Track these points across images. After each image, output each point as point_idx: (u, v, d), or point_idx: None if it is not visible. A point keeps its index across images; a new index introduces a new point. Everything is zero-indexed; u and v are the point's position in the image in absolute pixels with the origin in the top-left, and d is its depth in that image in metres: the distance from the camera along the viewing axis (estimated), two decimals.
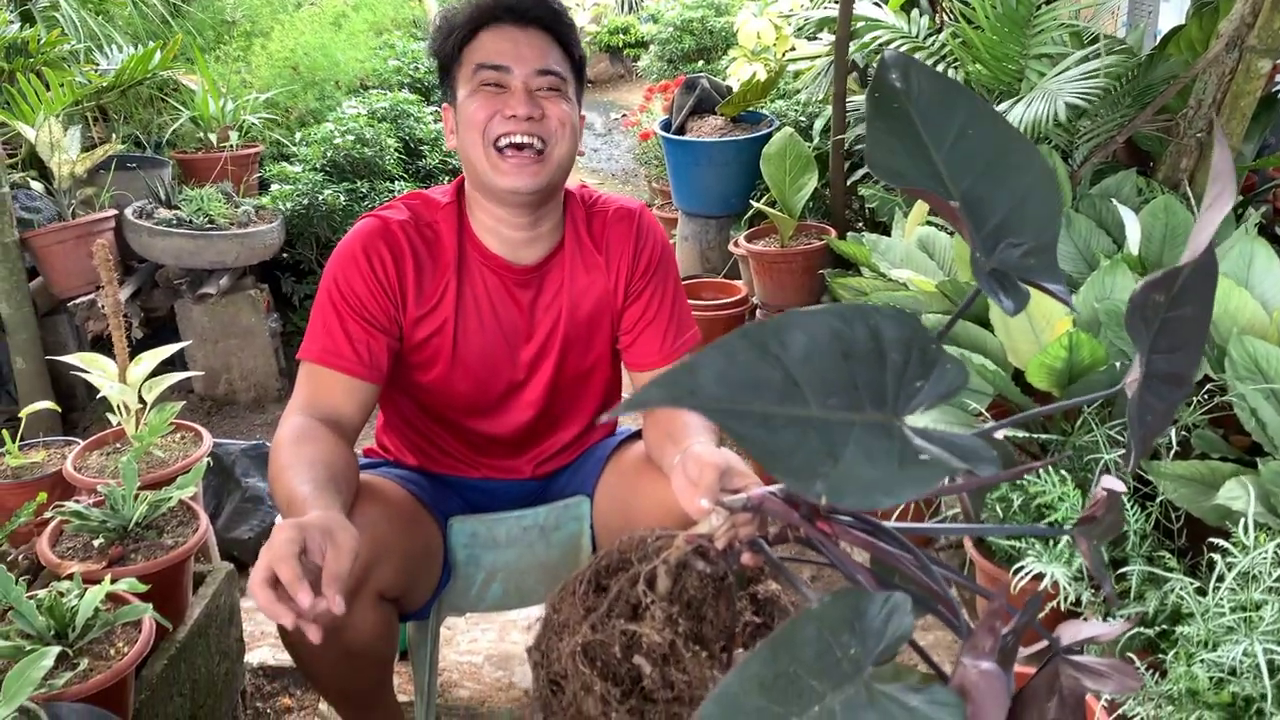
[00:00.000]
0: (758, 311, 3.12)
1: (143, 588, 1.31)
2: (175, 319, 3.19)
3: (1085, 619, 0.88)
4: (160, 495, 1.49)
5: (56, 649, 1.15)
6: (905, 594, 0.70)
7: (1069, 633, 0.81)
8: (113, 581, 1.33)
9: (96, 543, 1.47)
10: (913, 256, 2.60)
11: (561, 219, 1.57)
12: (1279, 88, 2.70)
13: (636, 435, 1.73)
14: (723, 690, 0.63)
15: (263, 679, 2.02)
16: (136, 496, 1.50)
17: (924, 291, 2.40)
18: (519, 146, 1.43)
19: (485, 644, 2.11)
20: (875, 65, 1.77)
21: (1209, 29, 2.56)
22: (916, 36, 3.00)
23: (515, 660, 2.12)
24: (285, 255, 3.42)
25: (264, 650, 2.05)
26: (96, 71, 3.34)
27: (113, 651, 1.29)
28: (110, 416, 1.83)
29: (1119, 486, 0.77)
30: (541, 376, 1.59)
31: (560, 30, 1.49)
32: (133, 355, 1.94)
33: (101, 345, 1.97)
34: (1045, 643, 0.79)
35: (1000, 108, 2.58)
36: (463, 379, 1.55)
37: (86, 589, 1.30)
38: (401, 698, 1.95)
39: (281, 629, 1.45)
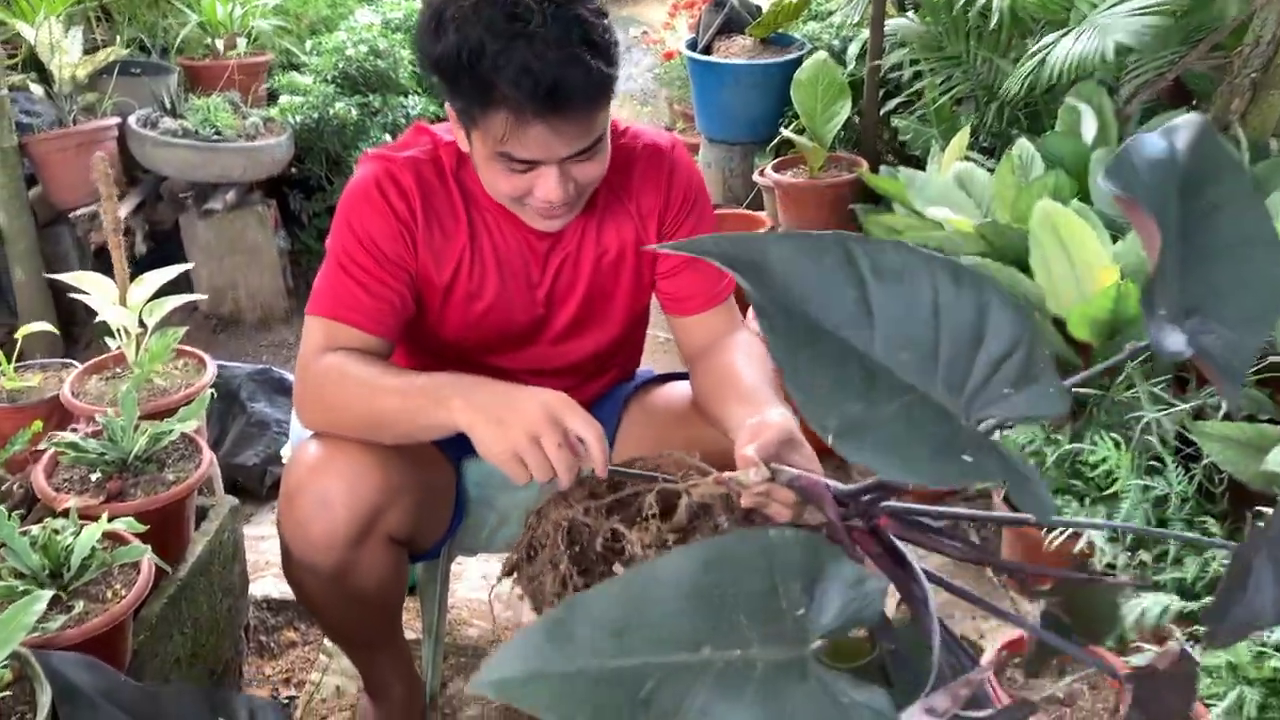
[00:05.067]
0: None
1: (141, 527, 1.25)
2: (180, 234, 3.09)
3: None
4: (161, 428, 1.42)
5: (50, 592, 1.09)
6: (885, 582, 0.64)
7: None
8: (110, 519, 1.26)
9: (94, 476, 1.40)
10: (949, 193, 2.48)
11: None
12: None
13: (661, 379, 1.65)
14: (647, 571, 0.56)
15: (266, 612, 1.97)
16: (136, 428, 1.43)
17: (961, 232, 2.29)
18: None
19: (495, 581, 2.05)
20: None
21: None
22: None
23: (527, 601, 2.07)
24: (294, 171, 3.30)
25: (268, 582, 2.00)
26: None
27: (109, 594, 1.23)
28: (109, 340, 1.75)
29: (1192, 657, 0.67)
30: (562, 318, 1.50)
31: (606, 91, 1.24)
32: (136, 273, 1.85)
33: (106, 258, 1.88)
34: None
35: (1046, 41, 2.45)
36: (477, 323, 1.46)
37: (83, 526, 1.23)
38: (409, 634, 1.90)
39: (288, 568, 1.39)
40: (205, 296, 2.86)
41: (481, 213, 1.40)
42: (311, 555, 1.35)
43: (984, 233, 2.25)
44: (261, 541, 2.25)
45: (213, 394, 1.57)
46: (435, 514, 1.54)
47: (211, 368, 1.71)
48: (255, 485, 2.34)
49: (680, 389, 1.57)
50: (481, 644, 1.96)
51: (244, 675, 1.78)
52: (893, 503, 1.08)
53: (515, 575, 1.07)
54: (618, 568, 0.99)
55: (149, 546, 1.23)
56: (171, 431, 1.41)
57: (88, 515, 1.29)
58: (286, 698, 1.79)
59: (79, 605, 1.19)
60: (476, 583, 2.06)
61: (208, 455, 1.47)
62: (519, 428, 1.11)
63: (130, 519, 1.23)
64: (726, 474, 1.02)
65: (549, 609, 0.87)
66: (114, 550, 1.23)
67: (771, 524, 1.06)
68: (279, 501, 1.38)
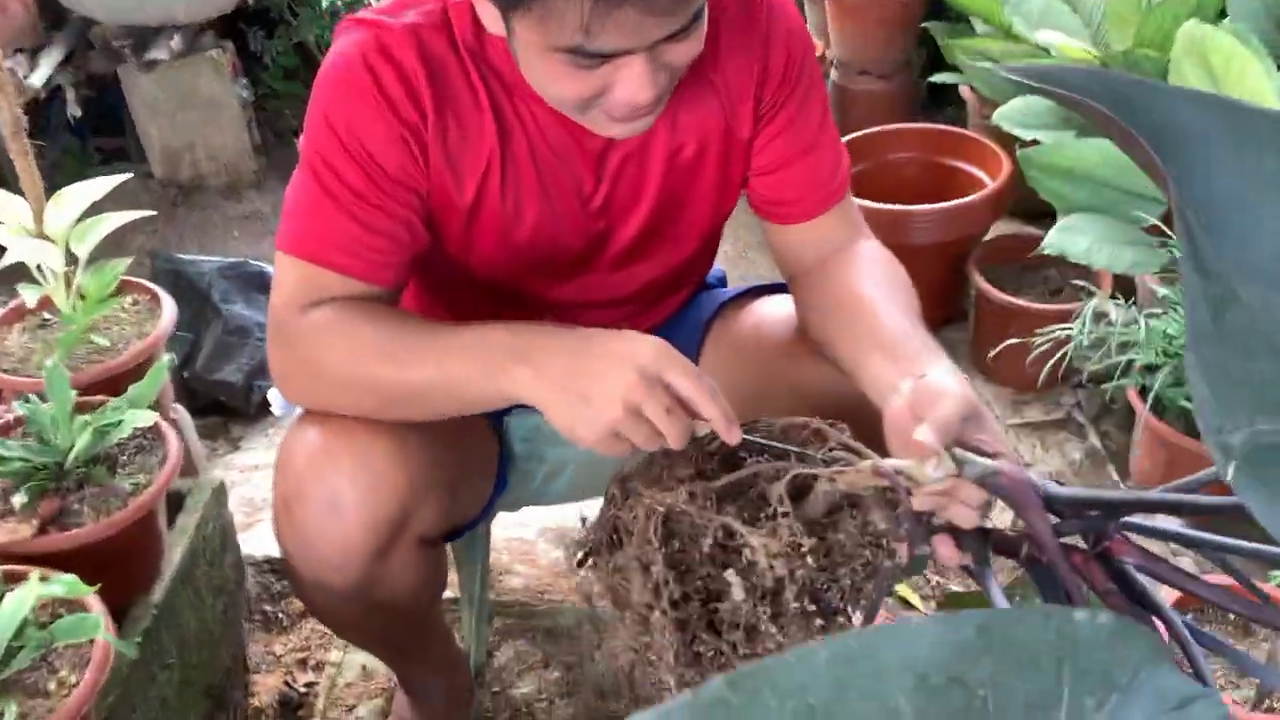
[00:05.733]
0: (833, 70, 2.56)
1: (87, 590, 0.90)
2: (121, 91, 2.62)
3: None
4: (106, 419, 1.05)
5: None
6: (1224, 709, 0.45)
7: None
8: (47, 557, 0.91)
9: (18, 499, 1.03)
10: (1053, 10, 2.03)
11: None
12: None
13: (747, 295, 1.28)
14: (870, 640, 0.41)
15: (270, 575, 1.65)
16: (74, 418, 1.06)
17: (1077, 62, 1.87)
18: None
19: (540, 516, 1.73)
20: None
21: None
22: None
23: (577, 535, 1.76)
24: (250, 2, 2.78)
25: (267, 532, 1.67)
26: None
27: (53, 685, 0.89)
28: (25, 290, 1.32)
29: None
30: (625, 236, 1.12)
31: None
32: (74, 143, 1.41)
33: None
34: None
35: None
36: (512, 251, 1.08)
37: (7, 590, 0.88)
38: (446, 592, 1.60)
39: (295, 585, 1.09)
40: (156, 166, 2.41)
41: (513, 100, 1.01)
42: (323, 574, 1.03)
43: (1110, 62, 1.82)
44: (255, 474, 1.92)
45: (172, 358, 1.19)
46: (475, 490, 1.22)
47: (169, 307, 1.31)
48: (240, 403, 1.99)
49: (778, 311, 1.20)
50: (528, 597, 1.66)
51: (249, 667, 1.48)
52: (1137, 519, 0.77)
53: (593, 563, 0.86)
54: (732, 577, 0.76)
55: (103, 618, 0.88)
56: (120, 425, 1.04)
57: (11, 555, 0.94)
58: (305, 685, 1.50)
59: (12, 708, 0.86)
60: (516, 519, 1.73)
61: (174, 445, 1.11)
62: (613, 402, 0.85)
63: (73, 579, 0.88)
64: (892, 462, 0.79)
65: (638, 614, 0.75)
66: (55, 626, 0.88)
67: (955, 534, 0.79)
68: (274, 506, 1.05)
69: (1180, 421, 1.63)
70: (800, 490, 0.78)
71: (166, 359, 1.22)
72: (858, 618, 0.83)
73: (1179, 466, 1.63)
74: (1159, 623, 0.71)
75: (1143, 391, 1.66)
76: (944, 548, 0.83)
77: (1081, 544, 0.76)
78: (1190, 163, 0.45)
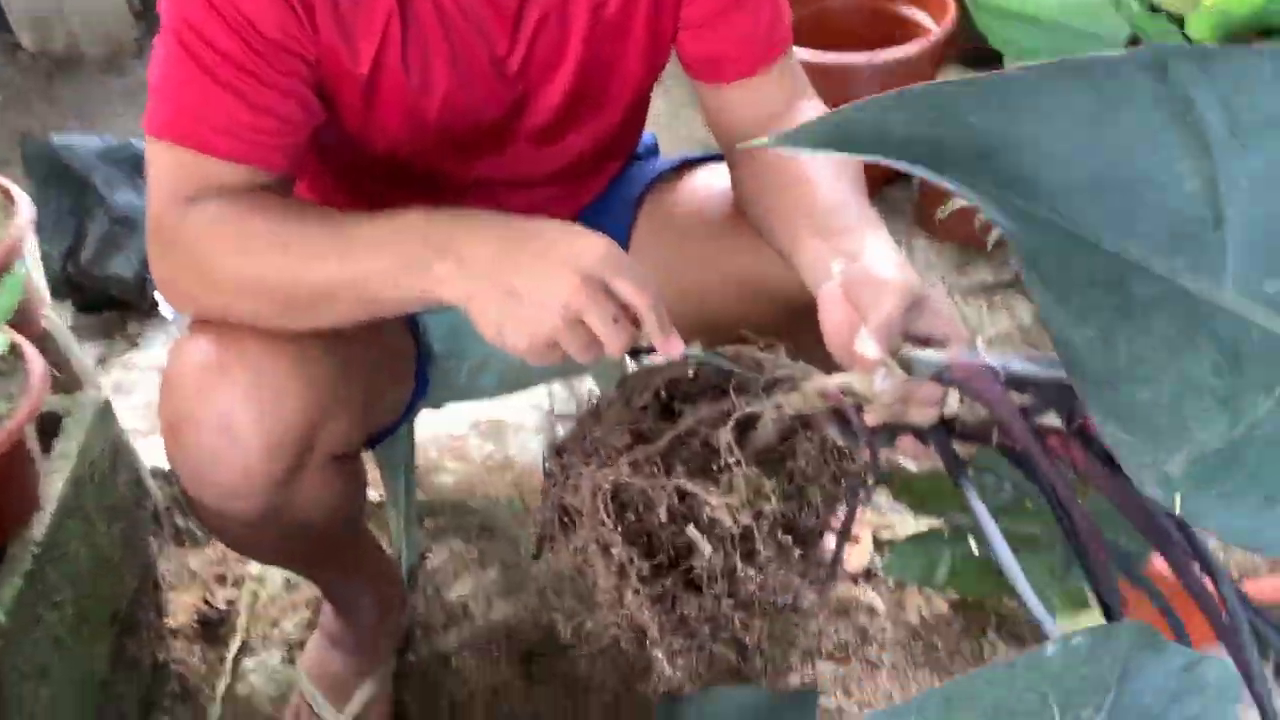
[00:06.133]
0: None
1: None
2: None
3: None
4: None
5: None
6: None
7: None
8: None
9: None
10: None
11: None
12: None
13: (686, 165, 1.16)
14: None
15: (179, 484, 1.53)
16: None
17: None
18: None
19: (470, 409, 1.62)
20: None
21: None
22: None
23: (510, 429, 1.66)
24: None
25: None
26: None
27: None
28: None
29: None
30: (547, 103, 0.99)
31: None
32: None
33: None
34: None
35: None
36: (420, 125, 0.95)
37: None
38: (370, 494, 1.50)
39: (197, 514, 0.98)
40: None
41: None
42: (224, 503, 0.93)
43: None
44: (156, 375, 1.77)
45: (25, 272, 1.03)
46: (392, 395, 1.12)
47: (24, 205, 1.13)
48: (134, 297, 1.82)
49: (718, 185, 1.09)
50: (461, 494, 1.57)
51: (162, 586, 1.37)
52: None
53: (551, 550, 0.78)
54: (694, 533, 0.70)
55: None
56: None
57: None
58: (224, 601, 1.40)
59: None
60: (446, 412, 1.63)
61: (38, 368, 0.97)
62: (551, 308, 0.75)
63: None
64: (837, 379, 0.71)
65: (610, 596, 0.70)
66: None
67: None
68: (161, 430, 0.93)
69: None
70: (749, 421, 0.71)
71: (30, 261, 1.06)
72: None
73: None
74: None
75: None
76: (910, 448, 0.76)
77: (1059, 426, 0.68)
78: (1010, 163, 0.42)
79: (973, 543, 1.40)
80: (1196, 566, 0.60)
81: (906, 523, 1.44)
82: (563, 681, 1.31)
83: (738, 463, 0.70)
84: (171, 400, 0.90)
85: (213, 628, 1.37)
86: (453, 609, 1.41)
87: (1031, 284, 0.42)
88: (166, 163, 0.85)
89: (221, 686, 1.30)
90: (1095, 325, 0.41)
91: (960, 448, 0.75)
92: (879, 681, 1.32)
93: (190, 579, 1.43)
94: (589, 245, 0.77)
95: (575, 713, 1.28)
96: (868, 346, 0.69)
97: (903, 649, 1.36)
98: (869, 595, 1.41)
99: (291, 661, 1.32)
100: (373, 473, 1.52)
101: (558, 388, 1.73)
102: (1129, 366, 0.41)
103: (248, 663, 1.33)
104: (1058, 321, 0.41)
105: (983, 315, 1.79)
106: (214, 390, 0.87)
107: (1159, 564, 0.67)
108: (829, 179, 0.90)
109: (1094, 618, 1.42)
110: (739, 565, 0.71)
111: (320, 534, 1.04)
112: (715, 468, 0.71)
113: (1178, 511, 0.41)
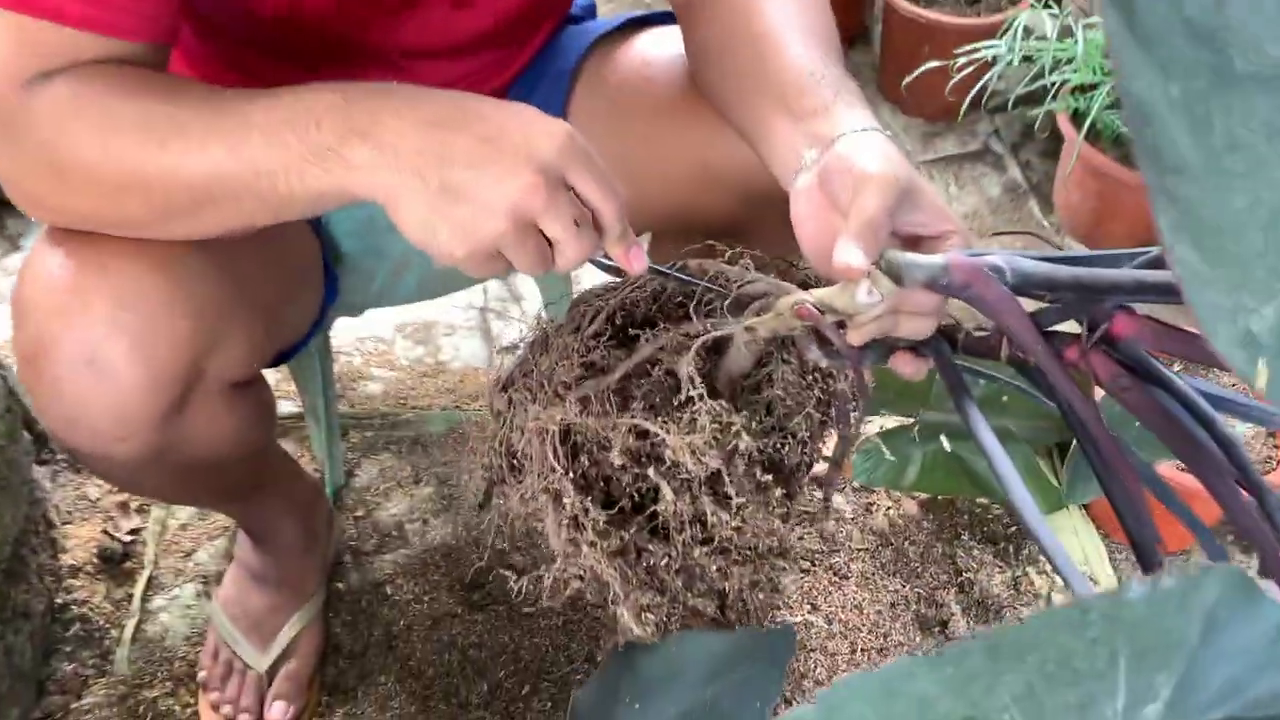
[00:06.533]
0: None
1: None
2: None
3: None
4: None
5: None
6: None
7: None
8: None
9: None
10: None
11: None
12: None
13: (628, 28, 1.01)
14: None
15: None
16: None
17: None
18: None
19: (395, 311, 1.47)
20: None
21: None
22: None
23: (440, 329, 1.52)
24: None
25: None
26: None
27: None
28: None
29: None
30: None
31: None
32: None
33: None
34: None
35: None
36: None
37: None
38: (288, 406, 1.36)
39: (75, 457, 0.85)
40: None
41: None
42: (101, 445, 0.78)
43: None
44: None
45: None
46: (297, 306, 0.97)
47: None
48: None
49: (669, 52, 0.94)
50: (389, 405, 1.44)
51: (54, 521, 1.23)
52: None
53: (501, 496, 0.71)
54: (654, 474, 0.62)
55: None
56: None
57: None
58: (129, 533, 1.27)
59: None
60: (368, 315, 1.48)
61: None
62: (499, 209, 0.62)
63: None
64: (816, 294, 0.62)
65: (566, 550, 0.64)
66: None
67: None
68: (16, 362, 0.78)
69: (1116, 149, 1.45)
70: (718, 345, 0.61)
71: None
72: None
73: (1112, 199, 1.47)
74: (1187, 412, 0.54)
75: (1075, 117, 1.46)
76: (905, 366, 0.65)
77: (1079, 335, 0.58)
78: None
79: (944, 440, 1.30)
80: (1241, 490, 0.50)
81: (870, 420, 1.34)
82: (507, 607, 1.20)
83: (700, 396, 0.59)
84: (25, 330, 0.74)
85: (116, 563, 1.23)
86: (385, 531, 1.29)
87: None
88: (6, 35, 0.67)
89: (129, 628, 1.17)
90: (1182, 84, 0.30)
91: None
92: (847, 592, 1.24)
93: (90, 509, 1.29)
94: (547, 131, 0.63)
95: (521, 642, 1.17)
96: (850, 254, 0.57)
97: (871, 556, 1.28)
98: (833, 498, 1.32)
99: (207, 596, 1.20)
100: (289, 383, 1.39)
101: (494, 284, 1.59)
102: (1222, 151, 0.31)
103: (158, 600, 1.21)
104: (1132, 65, 0.30)
105: (950, 190, 1.67)
106: (73, 319, 0.71)
107: None
108: (798, 39, 0.76)
109: (1069, 520, 1.34)
110: (709, 509, 0.61)
111: (222, 468, 0.90)
112: (677, 403, 0.60)
113: (1261, 384, 0.32)
